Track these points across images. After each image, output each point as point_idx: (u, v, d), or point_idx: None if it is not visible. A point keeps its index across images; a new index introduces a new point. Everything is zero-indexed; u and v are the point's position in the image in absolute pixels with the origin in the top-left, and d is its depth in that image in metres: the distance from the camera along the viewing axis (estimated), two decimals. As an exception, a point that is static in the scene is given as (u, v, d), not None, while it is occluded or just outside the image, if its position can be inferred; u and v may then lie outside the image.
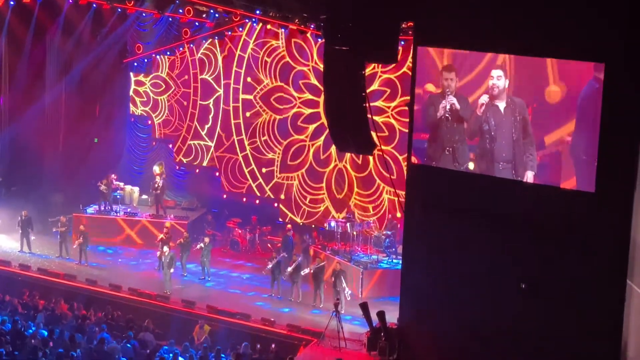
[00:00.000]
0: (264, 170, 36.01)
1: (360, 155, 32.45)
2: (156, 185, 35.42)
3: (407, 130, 22.08)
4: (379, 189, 33.08)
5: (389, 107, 32.28)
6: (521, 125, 19.17)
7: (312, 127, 34.60)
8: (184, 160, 37.81)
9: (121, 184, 36.22)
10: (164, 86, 38.02)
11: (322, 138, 34.23)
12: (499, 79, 19.40)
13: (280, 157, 35.63)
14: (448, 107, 20.25)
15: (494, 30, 19.28)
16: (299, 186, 35.23)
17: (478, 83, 19.73)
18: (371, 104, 20.91)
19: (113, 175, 35.91)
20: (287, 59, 34.84)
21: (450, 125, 20.27)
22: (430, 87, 20.45)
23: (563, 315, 18.88)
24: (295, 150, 35.29)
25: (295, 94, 34.85)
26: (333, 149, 33.82)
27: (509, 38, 18.98)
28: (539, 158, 18.96)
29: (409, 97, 21.70)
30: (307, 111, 34.59)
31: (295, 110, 34.95)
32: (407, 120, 21.90)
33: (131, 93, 38.66)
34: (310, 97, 34.48)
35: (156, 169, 36.30)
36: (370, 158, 32.38)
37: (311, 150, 34.84)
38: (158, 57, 37.71)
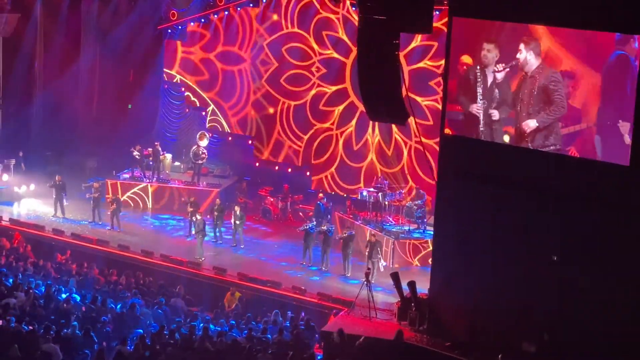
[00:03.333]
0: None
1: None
2: (203, 155, 35.43)
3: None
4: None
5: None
6: (544, 94, 19.05)
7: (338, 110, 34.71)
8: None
9: (158, 149, 36.05)
10: (198, 54, 37.99)
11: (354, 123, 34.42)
12: (520, 52, 19.26)
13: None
14: (488, 79, 20.06)
15: (529, 1, 19.11)
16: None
17: (511, 53, 19.57)
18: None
19: (157, 143, 35.85)
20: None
21: (486, 98, 20.12)
22: (466, 58, 20.27)
23: (593, 287, 18.81)
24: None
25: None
26: (369, 135, 33.93)
27: (542, 9, 18.78)
28: (574, 131, 18.80)
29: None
30: (331, 89, 34.68)
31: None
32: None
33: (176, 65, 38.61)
34: (335, 55, 34.53)
35: (202, 140, 36.12)
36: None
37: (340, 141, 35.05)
38: (192, 24, 37.68)
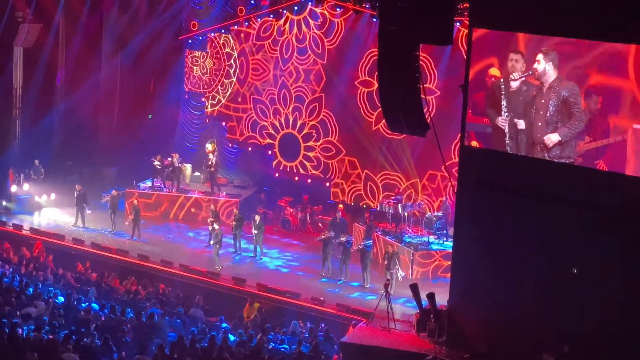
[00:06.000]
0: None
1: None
2: (210, 162, 35.53)
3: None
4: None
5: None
6: (563, 107, 18.92)
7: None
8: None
9: (175, 160, 36.15)
10: (218, 64, 38.05)
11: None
12: (538, 63, 19.14)
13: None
14: (512, 90, 19.91)
15: (551, 12, 18.97)
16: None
17: (528, 64, 19.46)
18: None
19: (175, 155, 35.97)
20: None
21: (511, 110, 19.98)
22: (494, 71, 20.12)
23: (613, 300, 18.70)
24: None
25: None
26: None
27: (565, 20, 18.66)
28: (602, 145, 18.63)
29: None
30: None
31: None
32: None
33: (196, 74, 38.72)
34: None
35: (208, 146, 36.37)
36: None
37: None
38: (212, 34, 37.78)
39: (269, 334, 23.93)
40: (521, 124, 19.75)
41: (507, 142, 20.01)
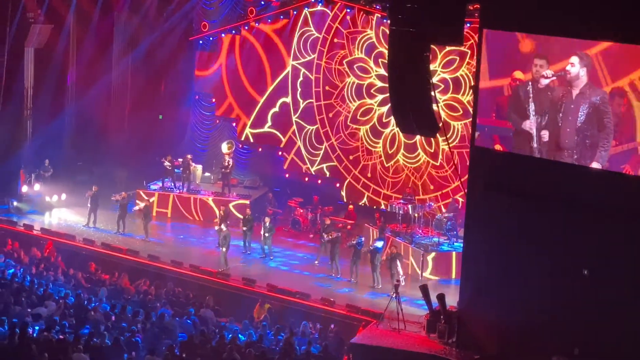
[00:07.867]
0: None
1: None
2: (227, 164, 35.53)
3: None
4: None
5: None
6: (594, 115, 18.71)
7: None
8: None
9: (189, 161, 36.11)
10: (228, 64, 38.09)
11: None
12: (572, 66, 18.89)
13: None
14: (535, 95, 19.71)
15: (567, 12, 18.80)
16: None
17: (556, 67, 19.24)
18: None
19: (189, 156, 35.98)
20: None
21: (539, 115, 19.80)
22: (518, 74, 19.90)
23: (624, 302, 18.63)
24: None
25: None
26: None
27: (587, 21, 18.46)
28: (628, 149, 18.43)
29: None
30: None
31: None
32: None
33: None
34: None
35: (224, 147, 36.34)
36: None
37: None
38: (222, 35, 37.80)
39: (279, 334, 23.97)
40: (545, 136, 19.50)
41: (535, 146, 19.73)
